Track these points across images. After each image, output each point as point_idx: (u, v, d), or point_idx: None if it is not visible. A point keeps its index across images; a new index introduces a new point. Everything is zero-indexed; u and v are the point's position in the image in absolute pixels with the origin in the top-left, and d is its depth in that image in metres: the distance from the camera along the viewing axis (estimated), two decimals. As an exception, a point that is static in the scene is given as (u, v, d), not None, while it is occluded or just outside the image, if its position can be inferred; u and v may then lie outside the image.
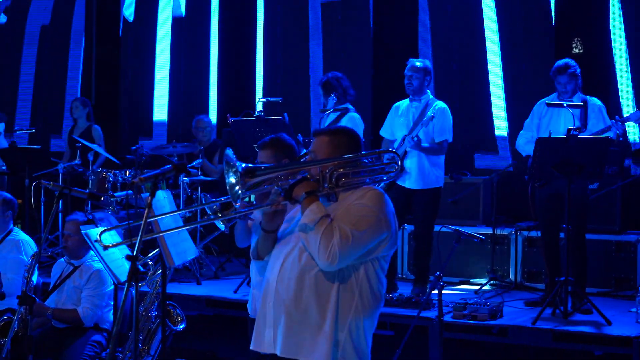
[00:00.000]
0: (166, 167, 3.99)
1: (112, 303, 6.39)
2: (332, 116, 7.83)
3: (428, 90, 7.54)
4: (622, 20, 9.17)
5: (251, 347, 3.91)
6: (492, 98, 9.97)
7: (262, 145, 4.59)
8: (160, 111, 12.30)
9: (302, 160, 4.23)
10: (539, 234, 7.48)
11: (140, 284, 4.20)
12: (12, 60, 13.16)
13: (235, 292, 7.73)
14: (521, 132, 7.49)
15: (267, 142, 4.58)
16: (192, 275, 8.44)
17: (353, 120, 7.76)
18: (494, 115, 9.96)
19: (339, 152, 3.82)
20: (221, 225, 4.36)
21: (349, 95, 7.98)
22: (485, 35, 10.02)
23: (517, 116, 9.09)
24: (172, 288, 7.89)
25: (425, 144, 7.29)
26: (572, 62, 7.24)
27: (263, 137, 7.53)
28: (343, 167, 3.73)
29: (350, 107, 7.93)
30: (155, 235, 4.55)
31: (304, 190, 3.68)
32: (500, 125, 9.90)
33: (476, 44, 10.06)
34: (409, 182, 7.42)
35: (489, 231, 8.36)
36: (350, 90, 8.01)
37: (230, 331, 7.89)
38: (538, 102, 7.43)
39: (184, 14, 12.22)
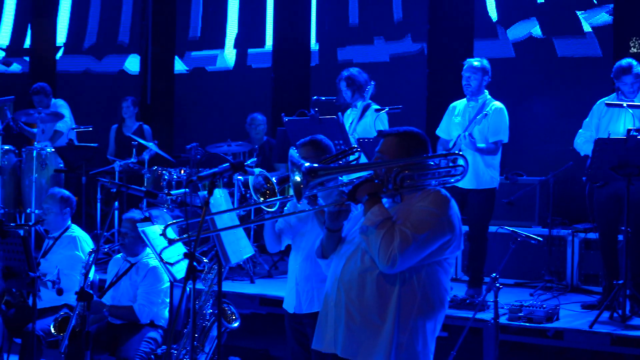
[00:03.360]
0: (224, 165, 4.01)
1: (168, 300, 6.45)
2: (355, 112, 7.87)
3: (486, 90, 7.47)
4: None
5: (312, 346, 3.91)
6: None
7: (302, 144, 4.74)
8: (219, 110, 12.37)
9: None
10: (597, 236, 7.37)
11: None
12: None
13: (288, 291, 7.74)
14: (580, 131, 7.40)
15: (306, 142, 4.73)
16: (245, 273, 8.47)
17: (380, 116, 7.75)
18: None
19: (406, 153, 3.80)
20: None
21: (367, 90, 7.97)
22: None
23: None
24: (226, 286, 7.91)
25: (480, 145, 7.22)
26: (634, 61, 7.14)
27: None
28: (409, 169, 3.70)
29: (372, 103, 7.94)
30: (212, 233, 4.58)
31: (367, 191, 3.67)
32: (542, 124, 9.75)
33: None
34: (462, 182, 7.31)
35: (545, 233, 8.27)
36: (369, 84, 7.99)
37: (283, 330, 7.90)
38: (597, 102, 7.32)
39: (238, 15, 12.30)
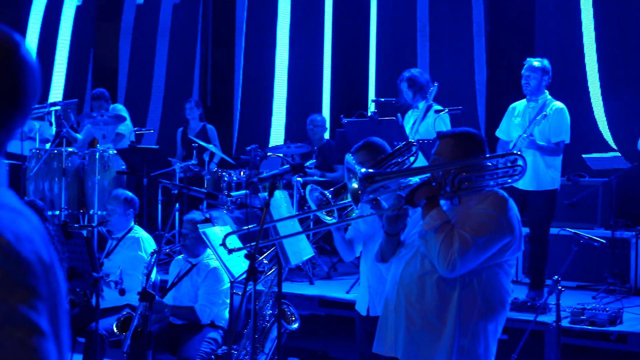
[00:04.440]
0: (284, 167, 4.03)
1: (228, 301, 6.49)
2: (417, 113, 7.84)
3: (546, 91, 7.39)
4: None
5: (373, 349, 3.91)
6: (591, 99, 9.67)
7: (356, 149, 4.78)
8: (278, 111, 12.42)
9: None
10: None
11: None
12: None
13: (347, 292, 7.75)
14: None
15: (360, 146, 4.76)
16: (304, 274, 8.50)
17: (442, 118, 7.71)
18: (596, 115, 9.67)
19: (463, 154, 3.77)
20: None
21: (429, 92, 7.93)
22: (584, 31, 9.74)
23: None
24: (286, 287, 7.95)
25: (541, 142, 7.15)
26: None
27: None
28: (466, 170, 3.67)
29: (435, 104, 7.90)
30: (275, 241, 4.61)
31: (425, 195, 3.65)
32: (603, 126, 9.59)
33: (574, 42, 9.77)
34: (522, 184, 7.28)
35: (608, 234, 8.14)
36: (431, 86, 7.95)
37: (341, 331, 7.92)
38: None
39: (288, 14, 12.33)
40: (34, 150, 10.29)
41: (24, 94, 1.55)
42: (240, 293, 5.38)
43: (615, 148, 9.22)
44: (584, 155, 8.53)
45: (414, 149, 4.66)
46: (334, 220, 4.58)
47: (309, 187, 4.57)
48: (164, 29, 13.38)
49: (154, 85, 13.35)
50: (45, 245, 1.49)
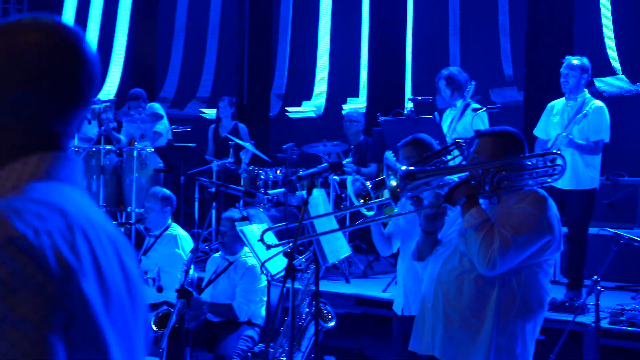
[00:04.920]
0: (322, 165, 4.03)
1: (265, 299, 6.51)
2: (455, 112, 7.80)
3: (585, 89, 7.32)
4: None
5: (410, 347, 3.90)
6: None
7: (404, 144, 4.74)
8: (317, 108, 12.43)
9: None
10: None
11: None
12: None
13: (384, 291, 7.73)
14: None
15: (408, 141, 4.72)
16: (340, 273, 8.50)
17: (480, 116, 7.66)
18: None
19: (502, 153, 3.75)
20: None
21: (467, 90, 7.88)
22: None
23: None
24: (322, 286, 7.90)
25: (579, 141, 7.09)
26: None
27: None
28: (506, 169, 3.65)
29: (472, 102, 7.85)
30: (312, 237, 4.61)
31: (464, 194, 3.64)
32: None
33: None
34: (561, 183, 7.19)
35: (648, 235, 8.05)
36: (469, 84, 7.90)
37: (377, 330, 7.90)
38: None
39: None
40: (73, 149, 10.36)
41: (84, 88, 1.56)
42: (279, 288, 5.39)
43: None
44: None
45: (460, 149, 4.65)
46: (372, 214, 4.56)
47: (350, 178, 4.57)
48: (213, 27, 13.46)
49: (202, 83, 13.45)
50: (89, 249, 1.42)
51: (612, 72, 10.14)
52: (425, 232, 3.85)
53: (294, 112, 12.99)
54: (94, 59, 1.58)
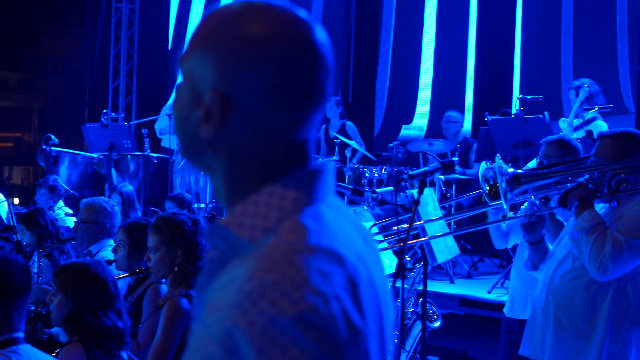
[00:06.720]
0: (434, 164, 4.00)
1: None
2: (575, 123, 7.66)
3: None
4: None
5: (520, 351, 3.85)
6: None
7: (549, 142, 4.55)
8: (421, 108, 12.36)
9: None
10: None
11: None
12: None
13: (489, 292, 7.65)
14: None
15: (554, 140, 4.54)
16: (445, 273, 8.44)
17: (597, 127, 7.48)
18: None
19: (622, 155, 3.66)
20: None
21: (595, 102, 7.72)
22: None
23: None
24: (427, 285, 7.91)
25: None
26: None
27: (522, 136, 7.49)
28: (625, 172, 3.57)
29: (599, 116, 7.67)
30: (423, 241, 4.59)
31: (578, 197, 3.57)
32: None
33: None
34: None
35: None
36: (599, 96, 7.72)
37: (482, 331, 7.81)
38: None
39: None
40: (180, 145, 10.55)
41: (323, 85, 1.34)
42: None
43: None
44: None
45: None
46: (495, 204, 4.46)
47: (484, 164, 4.36)
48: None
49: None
50: (369, 299, 1.26)
51: None
52: (530, 242, 3.80)
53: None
54: (327, 52, 1.37)
